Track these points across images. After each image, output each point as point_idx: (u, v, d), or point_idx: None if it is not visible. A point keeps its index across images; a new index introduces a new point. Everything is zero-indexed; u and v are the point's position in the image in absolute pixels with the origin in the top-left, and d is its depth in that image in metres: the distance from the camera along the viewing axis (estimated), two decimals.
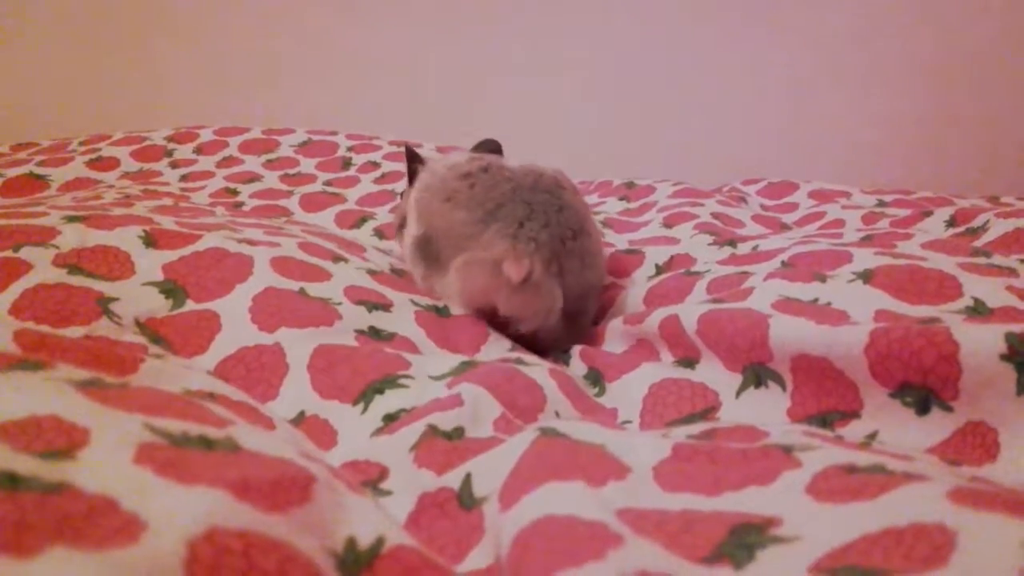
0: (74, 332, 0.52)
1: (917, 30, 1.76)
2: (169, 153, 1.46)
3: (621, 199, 1.26)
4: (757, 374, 0.53)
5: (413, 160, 0.83)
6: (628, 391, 0.59)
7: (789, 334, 0.50)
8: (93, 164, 1.39)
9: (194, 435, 0.31)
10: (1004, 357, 0.41)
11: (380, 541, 0.31)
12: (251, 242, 0.68)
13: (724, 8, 1.82)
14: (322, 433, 0.49)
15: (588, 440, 0.37)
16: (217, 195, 1.26)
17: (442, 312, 0.67)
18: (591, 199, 1.33)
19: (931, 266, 0.60)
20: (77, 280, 0.58)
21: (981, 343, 0.42)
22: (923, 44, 1.77)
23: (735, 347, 0.54)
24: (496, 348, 0.64)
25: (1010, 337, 0.41)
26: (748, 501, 0.31)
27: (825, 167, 1.67)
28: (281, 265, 0.65)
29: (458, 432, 0.45)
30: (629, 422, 0.56)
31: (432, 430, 0.45)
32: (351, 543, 0.30)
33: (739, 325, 0.54)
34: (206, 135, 1.53)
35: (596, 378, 0.63)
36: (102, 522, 0.25)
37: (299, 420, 0.50)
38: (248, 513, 0.27)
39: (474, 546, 0.35)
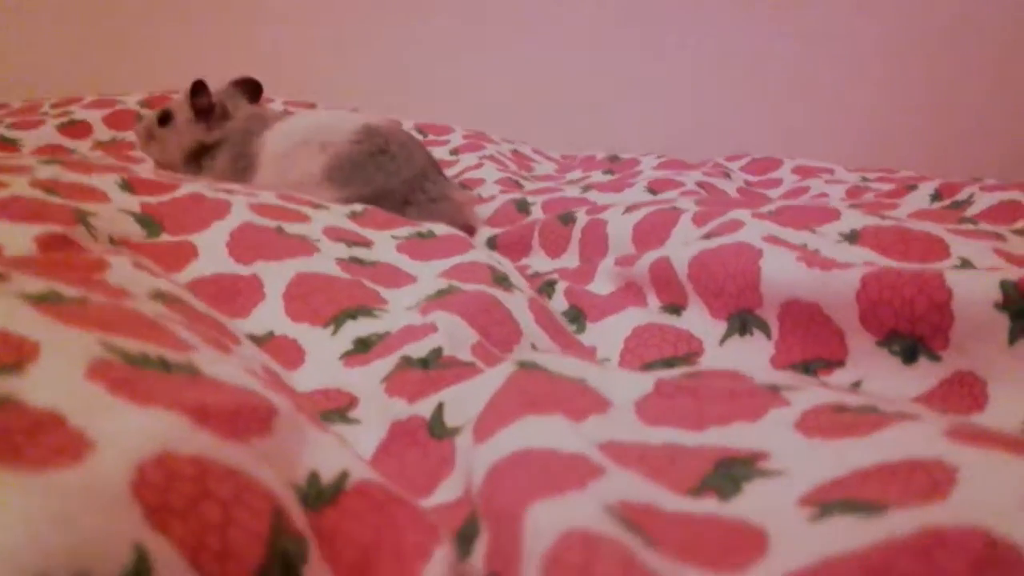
0: (51, 228, 0.50)
1: (901, 14, 1.76)
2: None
3: (606, 172, 1.25)
4: (743, 322, 0.52)
5: (201, 93, 0.95)
6: (609, 332, 0.58)
7: (781, 277, 0.49)
8: (65, 129, 1.36)
9: (152, 356, 0.29)
10: (998, 306, 0.40)
11: (344, 475, 0.29)
12: (230, 191, 0.68)
13: None
14: (289, 351, 0.48)
15: (568, 374, 0.36)
16: None
17: (425, 236, 0.68)
18: (575, 174, 1.31)
19: (917, 228, 0.59)
20: (54, 199, 0.56)
21: (975, 291, 0.41)
22: (907, 28, 1.76)
23: (725, 292, 0.53)
24: (483, 254, 0.65)
25: (1005, 285, 0.40)
26: (734, 436, 0.30)
27: (808, 150, 1.67)
28: (259, 208, 0.65)
29: (435, 354, 0.44)
30: (607, 360, 0.55)
31: (406, 361, 0.43)
32: (314, 477, 0.29)
33: (730, 268, 0.53)
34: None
35: (576, 316, 0.62)
36: (45, 440, 0.23)
37: (267, 339, 0.50)
38: (204, 439, 0.25)
39: (444, 479, 0.34)
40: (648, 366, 0.53)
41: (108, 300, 0.35)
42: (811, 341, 0.47)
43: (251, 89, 1.03)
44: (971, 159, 1.72)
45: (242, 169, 0.93)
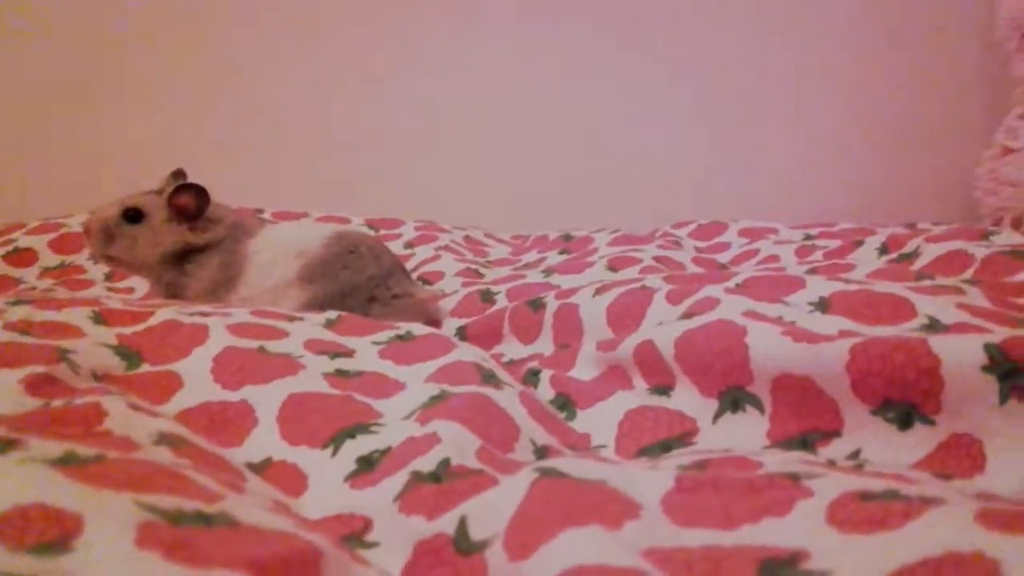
0: (35, 369, 0.49)
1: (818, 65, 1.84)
2: None
3: (561, 252, 1.27)
4: (735, 399, 0.53)
5: (201, 195, 0.94)
6: (601, 417, 0.59)
7: (769, 353, 0.51)
8: (10, 258, 1.35)
9: (189, 511, 0.29)
10: (985, 368, 0.42)
11: None
12: (203, 314, 0.67)
13: (626, 51, 1.86)
14: (290, 478, 0.48)
15: (588, 477, 0.37)
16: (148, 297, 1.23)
17: (405, 338, 0.69)
18: (530, 255, 1.33)
19: (882, 290, 0.61)
20: (31, 340, 0.56)
21: (962, 356, 0.42)
22: (830, 78, 1.84)
23: (713, 371, 0.54)
24: (467, 352, 0.65)
25: (989, 348, 0.42)
26: (768, 534, 0.31)
27: (745, 201, 1.72)
28: (237, 329, 0.64)
29: (443, 466, 0.44)
30: (603, 447, 0.56)
31: (416, 476, 0.43)
32: None
33: (716, 347, 0.54)
34: None
35: (564, 403, 0.63)
36: None
37: (264, 466, 0.49)
38: None
39: None
40: (645, 450, 0.54)
41: (123, 455, 0.35)
42: (805, 413, 0.49)
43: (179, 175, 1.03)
44: (897, 197, 1.79)
45: (230, 276, 0.93)
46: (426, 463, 0.44)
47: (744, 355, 0.52)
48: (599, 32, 1.85)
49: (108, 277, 1.32)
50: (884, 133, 1.83)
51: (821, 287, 0.63)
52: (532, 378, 0.68)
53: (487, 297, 0.98)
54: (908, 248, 0.92)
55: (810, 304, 0.61)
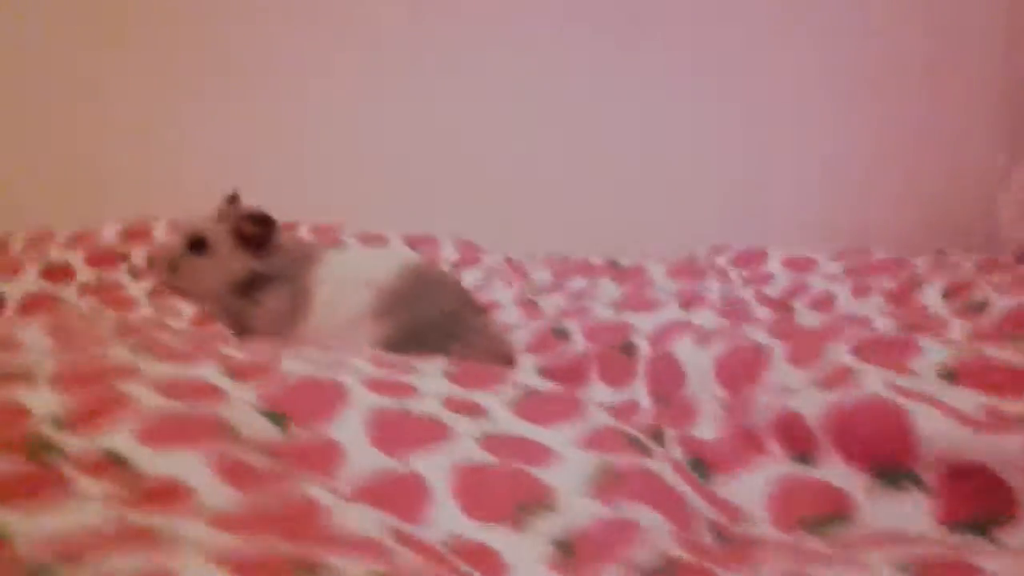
0: (216, 449, 0.50)
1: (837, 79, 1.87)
2: (126, 257, 1.41)
3: (613, 280, 1.29)
4: (893, 476, 0.55)
5: (270, 224, 0.93)
6: (746, 487, 0.60)
7: (939, 436, 0.53)
8: (47, 274, 1.33)
9: None
10: None
11: None
12: (330, 365, 0.67)
13: (640, 68, 1.87)
14: (485, 560, 0.48)
15: None
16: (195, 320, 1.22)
17: (529, 394, 0.68)
18: (578, 283, 1.34)
19: (995, 355, 0.64)
20: (188, 406, 0.56)
21: None
22: (852, 96, 1.87)
23: (868, 447, 0.56)
24: (601, 413, 0.65)
25: None
26: None
27: (770, 219, 1.75)
28: (373, 385, 0.64)
29: (661, 559, 0.45)
30: (757, 517, 0.57)
31: (636, 570, 0.44)
32: None
33: (876, 426, 0.56)
34: (160, 231, 1.47)
35: (697, 465, 0.64)
36: None
37: (458, 546, 0.49)
38: None
39: None
40: (807, 526, 0.55)
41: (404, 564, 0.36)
42: (977, 497, 0.51)
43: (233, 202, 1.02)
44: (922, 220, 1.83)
45: (298, 306, 0.92)
46: (640, 554, 0.45)
47: (908, 436, 0.54)
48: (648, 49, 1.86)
49: (150, 295, 1.31)
50: (904, 159, 1.86)
51: (936, 352, 0.66)
52: (657, 436, 0.69)
53: (560, 334, 0.99)
54: (976, 297, 0.95)
55: (936, 374, 0.63)
